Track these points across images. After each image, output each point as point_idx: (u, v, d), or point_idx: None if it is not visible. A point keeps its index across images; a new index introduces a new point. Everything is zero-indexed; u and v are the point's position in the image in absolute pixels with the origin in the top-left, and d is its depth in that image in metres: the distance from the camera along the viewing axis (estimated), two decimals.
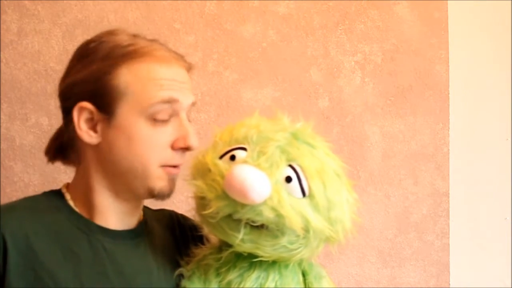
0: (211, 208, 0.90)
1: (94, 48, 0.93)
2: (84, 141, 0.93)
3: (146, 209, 1.05)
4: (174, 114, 0.94)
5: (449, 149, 1.66)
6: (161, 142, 0.92)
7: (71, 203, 0.96)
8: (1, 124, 1.46)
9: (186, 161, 0.98)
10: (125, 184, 0.94)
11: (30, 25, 1.47)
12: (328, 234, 0.93)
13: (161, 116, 0.92)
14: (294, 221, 0.88)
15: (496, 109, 1.70)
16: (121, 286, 0.91)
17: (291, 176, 0.90)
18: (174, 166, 0.95)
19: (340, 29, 1.61)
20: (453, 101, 1.66)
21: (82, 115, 0.92)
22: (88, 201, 0.95)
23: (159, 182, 0.93)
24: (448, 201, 1.65)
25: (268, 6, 1.58)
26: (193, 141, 0.94)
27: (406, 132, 1.64)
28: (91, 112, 0.92)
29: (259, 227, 0.90)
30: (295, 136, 0.95)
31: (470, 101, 1.69)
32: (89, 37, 0.98)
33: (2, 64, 1.46)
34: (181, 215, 1.13)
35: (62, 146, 0.99)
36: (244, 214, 0.88)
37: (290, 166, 0.91)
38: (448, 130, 1.66)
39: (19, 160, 1.46)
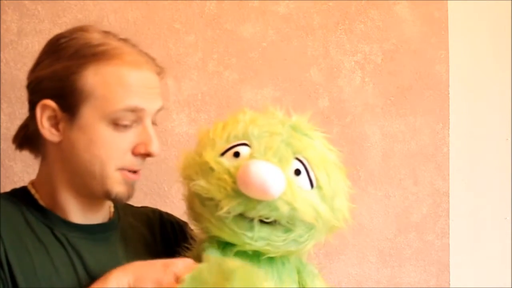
0: (223, 208, 0.88)
1: (64, 45, 0.92)
2: (46, 139, 0.93)
3: (125, 205, 1.04)
4: (138, 120, 0.92)
5: (449, 149, 1.66)
6: (121, 147, 0.91)
7: (36, 196, 0.96)
8: (1, 124, 1.46)
9: (174, 165, 0.97)
10: (84, 184, 0.93)
11: (30, 25, 1.47)
12: (333, 223, 0.94)
13: (124, 122, 0.90)
14: (307, 214, 0.88)
15: (496, 109, 1.70)
16: (86, 279, 0.91)
17: (299, 169, 0.90)
18: (134, 172, 0.94)
19: (340, 29, 1.61)
20: (453, 101, 1.66)
21: (45, 112, 0.92)
22: (52, 196, 0.96)
23: (116, 186, 0.93)
24: (448, 201, 1.65)
25: (268, 6, 1.58)
26: (154, 148, 0.92)
27: (406, 132, 1.64)
28: (54, 110, 0.91)
29: (270, 223, 0.89)
30: (294, 128, 0.95)
31: (470, 101, 1.69)
32: None
33: (2, 64, 1.46)
34: (165, 212, 1.13)
35: (29, 137, 0.98)
36: (259, 211, 0.87)
37: (297, 159, 0.91)
38: (448, 130, 1.66)
39: (19, 160, 1.46)
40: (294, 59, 1.59)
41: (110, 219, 1.02)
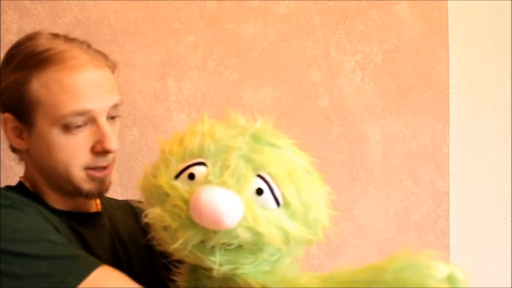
0: (179, 239, 0.79)
1: (13, 56, 0.94)
2: (17, 147, 0.96)
3: (107, 198, 1.06)
4: (91, 120, 0.92)
5: (449, 149, 1.66)
6: (79, 148, 0.92)
7: (32, 190, 0.97)
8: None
9: (134, 181, 0.94)
10: (57, 184, 0.95)
11: (30, 25, 1.47)
12: (308, 238, 0.85)
13: (75, 125, 0.91)
14: (273, 236, 0.80)
15: (496, 109, 1.70)
16: None
17: (262, 188, 0.81)
18: (103, 167, 0.94)
19: (340, 29, 1.61)
20: (453, 101, 1.66)
21: (8, 124, 0.94)
22: (42, 193, 0.97)
23: (85, 184, 0.93)
24: (448, 201, 1.65)
25: (268, 6, 1.58)
26: (109, 144, 0.92)
27: (406, 132, 1.64)
28: (14, 122, 0.93)
29: (235, 247, 0.80)
30: (256, 138, 0.85)
31: (470, 101, 1.69)
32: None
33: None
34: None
35: None
36: (218, 240, 0.78)
37: (259, 176, 0.82)
38: (448, 130, 1.66)
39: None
40: (294, 59, 1.59)
41: (98, 209, 1.04)
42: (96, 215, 1.01)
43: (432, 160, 1.65)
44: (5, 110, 0.94)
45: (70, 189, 0.94)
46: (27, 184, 0.98)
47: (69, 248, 0.85)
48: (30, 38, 0.94)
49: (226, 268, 0.81)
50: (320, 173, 0.87)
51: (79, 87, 0.90)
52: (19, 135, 0.94)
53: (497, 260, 1.69)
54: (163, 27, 1.52)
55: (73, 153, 0.92)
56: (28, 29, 1.46)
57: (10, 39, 1.46)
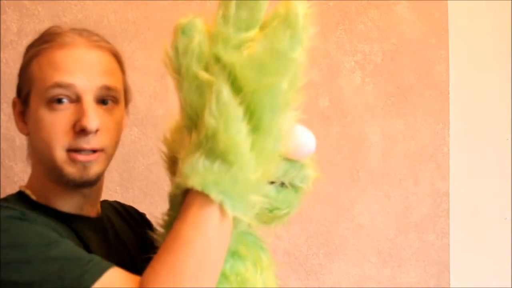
0: None
1: (29, 46, 0.99)
2: (22, 133, 0.99)
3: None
4: (76, 98, 0.91)
5: (449, 149, 1.66)
6: (61, 126, 0.91)
7: (33, 197, 0.96)
8: (1, 124, 1.46)
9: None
10: (47, 170, 0.94)
11: (30, 25, 1.47)
12: None
13: (56, 99, 0.90)
14: None
15: (496, 109, 1.70)
16: None
17: None
18: (90, 152, 0.92)
19: (340, 29, 1.61)
20: (453, 101, 1.66)
21: (16, 108, 0.98)
22: (46, 194, 0.96)
23: (66, 168, 0.91)
24: (448, 201, 1.65)
25: (268, 6, 1.57)
26: (87, 122, 0.89)
27: (406, 132, 1.64)
28: (20, 106, 0.97)
29: None
30: None
31: (470, 101, 1.69)
32: None
33: (2, 64, 1.46)
34: (124, 203, 1.16)
35: None
36: None
37: None
38: (448, 130, 1.66)
39: (19, 160, 1.46)
40: None
41: (99, 213, 1.03)
42: (98, 219, 1.01)
43: (432, 160, 1.65)
44: (16, 96, 0.99)
45: (55, 174, 0.92)
46: (28, 192, 0.96)
47: (80, 250, 0.84)
48: (47, 29, 0.98)
49: None
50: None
51: (65, 61, 0.92)
52: (23, 119, 0.97)
53: (497, 260, 1.69)
54: (163, 27, 1.52)
55: (54, 131, 0.90)
56: (28, 29, 1.46)
57: (10, 39, 1.46)
